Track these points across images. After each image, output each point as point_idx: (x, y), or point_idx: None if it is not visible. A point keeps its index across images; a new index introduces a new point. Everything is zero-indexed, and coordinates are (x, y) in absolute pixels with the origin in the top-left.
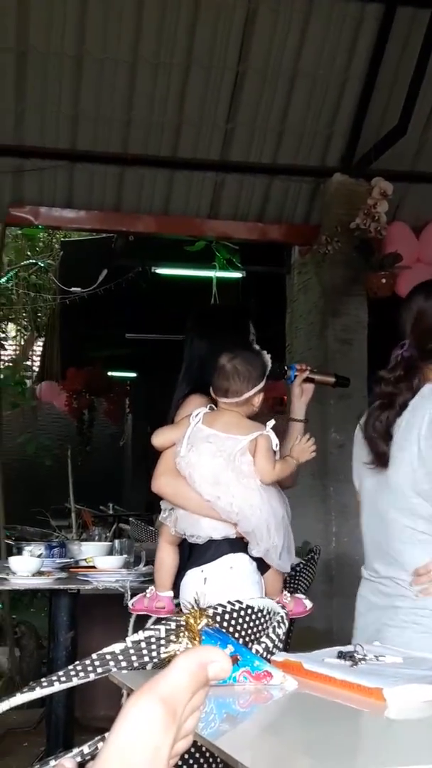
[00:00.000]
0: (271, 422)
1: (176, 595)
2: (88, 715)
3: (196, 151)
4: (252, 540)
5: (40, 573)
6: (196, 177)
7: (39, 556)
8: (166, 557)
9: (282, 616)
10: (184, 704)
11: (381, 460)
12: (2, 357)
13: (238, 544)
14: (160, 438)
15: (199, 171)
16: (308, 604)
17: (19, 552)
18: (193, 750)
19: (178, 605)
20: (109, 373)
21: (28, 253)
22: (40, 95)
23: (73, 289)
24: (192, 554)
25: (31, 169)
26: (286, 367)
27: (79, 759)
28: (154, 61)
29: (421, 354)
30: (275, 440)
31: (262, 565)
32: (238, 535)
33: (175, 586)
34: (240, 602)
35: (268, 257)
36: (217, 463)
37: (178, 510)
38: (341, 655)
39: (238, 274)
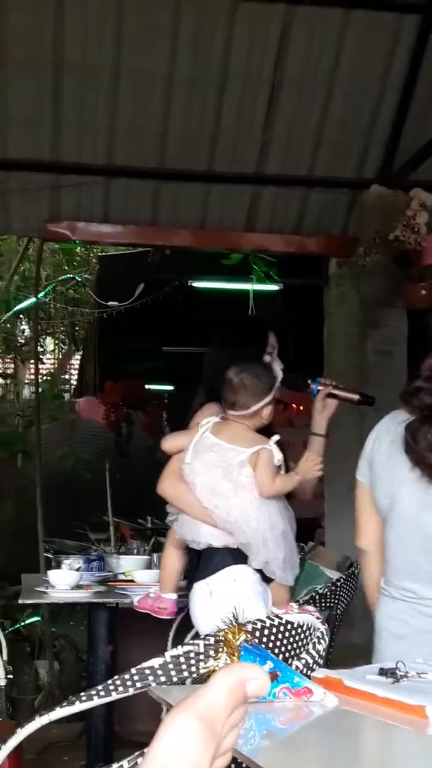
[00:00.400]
0: (276, 437)
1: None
2: (128, 729)
3: (233, 164)
4: (248, 551)
5: (78, 587)
6: (233, 190)
7: (78, 569)
8: (172, 560)
9: (322, 632)
10: (223, 721)
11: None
12: (41, 371)
13: (241, 555)
14: (169, 443)
15: (236, 184)
16: (318, 617)
17: (58, 565)
18: (232, 766)
19: (181, 610)
20: (147, 386)
21: (66, 267)
22: (76, 111)
23: (110, 303)
24: (200, 563)
25: (68, 184)
26: (309, 381)
27: None
28: (190, 74)
29: None
30: (278, 455)
31: (267, 576)
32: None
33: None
34: (279, 617)
35: (305, 269)
36: (216, 473)
37: (182, 515)
38: (383, 672)
39: (275, 287)
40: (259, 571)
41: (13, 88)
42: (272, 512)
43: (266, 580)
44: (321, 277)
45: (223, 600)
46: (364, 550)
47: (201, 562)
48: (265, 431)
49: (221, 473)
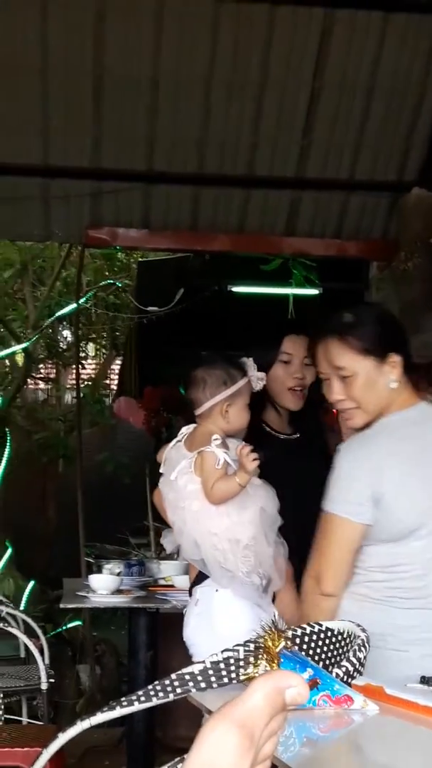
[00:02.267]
0: (215, 436)
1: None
2: (169, 734)
3: (272, 168)
4: (206, 571)
5: (119, 591)
6: (272, 194)
7: (118, 574)
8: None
9: (363, 639)
10: (261, 729)
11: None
12: (82, 376)
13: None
14: (160, 456)
15: (275, 188)
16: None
17: (99, 570)
18: None
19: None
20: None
21: (107, 273)
22: (116, 118)
23: (150, 308)
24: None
25: (108, 191)
26: None
27: None
28: (229, 79)
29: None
30: (221, 456)
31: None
32: None
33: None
34: (320, 624)
35: (345, 273)
36: (178, 486)
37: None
38: (424, 680)
39: (315, 291)
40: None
41: (53, 97)
42: (231, 521)
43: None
44: (361, 282)
45: (205, 609)
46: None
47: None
48: (254, 439)
49: (182, 485)
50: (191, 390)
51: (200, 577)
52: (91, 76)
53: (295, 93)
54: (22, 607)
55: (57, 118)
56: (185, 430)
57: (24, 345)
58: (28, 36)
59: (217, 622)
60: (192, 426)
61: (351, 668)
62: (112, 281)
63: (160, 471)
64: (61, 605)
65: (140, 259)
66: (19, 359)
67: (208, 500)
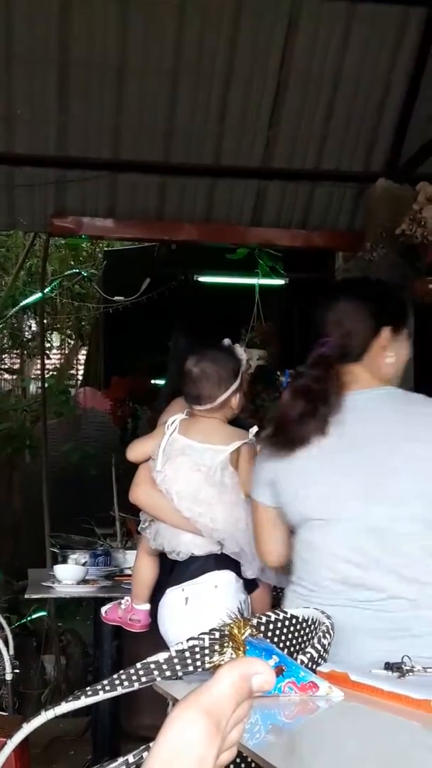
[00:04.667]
0: (254, 428)
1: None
2: (133, 723)
3: (238, 158)
4: (243, 560)
5: (85, 581)
6: (238, 184)
7: (84, 564)
8: (145, 569)
9: (327, 626)
10: (228, 716)
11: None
12: (47, 366)
13: (224, 560)
14: (133, 452)
15: (241, 178)
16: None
17: (64, 560)
18: (238, 760)
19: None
20: (153, 382)
21: (72, 262)
22: (82, 106)
23: (116, 298)
24: (174, 569)
25: (73, 179)
26: (278, 374)
27: None
28: (195, 69)
29: (342, 354)
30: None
31: (249, 583)
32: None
33: (154, 602)
34: (285, 612)
35: (311, 264)
36: (196, 478)
37: (158, 523)
38: (388, 667)
39: (281, 282)
40: (243, 578)
41: (18, 85)
42: None
43: (247, 588)
44: (327, 272)
45: (199, 608)
46: None
47: (176, 568)
48: (235, 423)
49: (201, 477)
50: (203, 385)
51: (178, 578)
52: (56, 65)
53: (262, 83)
54: None
55: (21, 107)
56: (172, 421)
57: None
58: None
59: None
60: (179, 416)
61: (315, 655)
62: (77, 270)
63: (157, 468)
64: (26, 596)
65: (106, 249)
66: None
67: (247, 491)
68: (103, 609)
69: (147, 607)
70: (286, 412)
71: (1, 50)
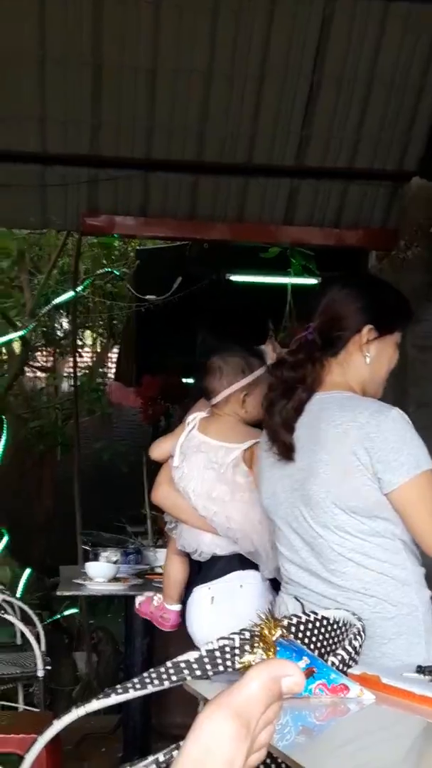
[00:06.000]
0: None
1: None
2: (164, 722)
3: (271, 157)
4: (258, 560)
5: (116, 579)
6: (271, 183)
7: (115, 562)
8: (174, 569)
9: (359, 628)
10: (258, 717)
11: (287, 451)
12: (79, 365)
13: (249, 560)
14: (156, 450)
15: (274, 177)
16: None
17: (96, 558)
18: (268, 761)
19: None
20: (184, 380)
21: (104, 261)
22: (115, 106)
23: (147, 297)
24: (201, 569)
25: (106, 178)
26: None
27: (154, 767)
28: (228, 70)
29: (323, 342)
30: None
31: (278, 583)
32: None
33: (183, 601)
34: (315, 613)
35: (344, 263)
36: (209, 476)
37: (181, 524)
38: (420, 670)
39: (314, 281)
40: (273, 579)
41: (51, 85)
42: None
43: (277, 588)
44: (361, 271)
45: (225, 607)
46: None
47: (203, 566)
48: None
49: (214, 475)
50: (208, 378)
51: (204, 576)
52: (90, 66)
53: (295, 82)
54: (18, 595)
55: (54, 107)
56: (192, 418)
57: (21, 333)
58: (25, 25)
59: (245, 617)
60: (200, 414)
61: (346, 657)
62: (109, 269)
63: (175, 465)
64: (58, 593)
65: (138, 248)
66: (17, 347)
67: None
68: (138, 600)
69: (178, 607)
70: (269, 413)
71: (35, 51)
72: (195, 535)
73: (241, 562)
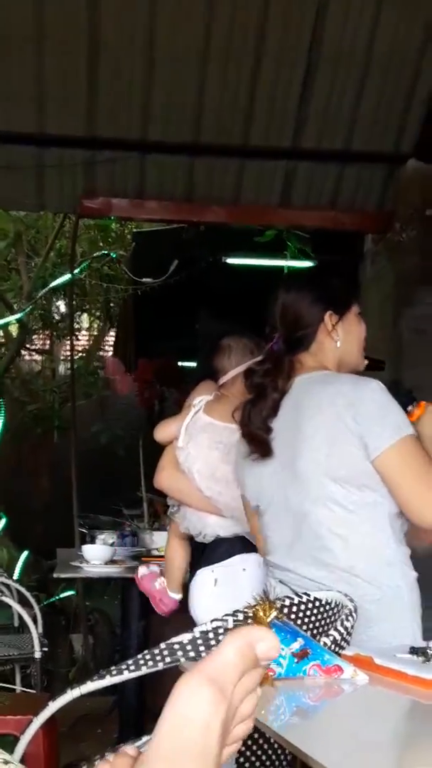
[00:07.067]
0: None
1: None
2: (158, 702)
3: (268, 139)
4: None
5: (112, 561)
6: (268, 165)
7: (111, 544)
8: (177, 554)
9: (350, 609)
10: (233, 682)
11: (266, 450)
12: (76, 348)
13: (252, 543)
14: (160, 432)
15: (271, 159)
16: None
17: (92, 540)
18: (261, 742)
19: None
20: (180, 364)
21: (101, 244)
22: (111, 86)
23: (144, 279)
24: (204, 551)
25: (102, 160)
26: None
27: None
28: (225, 50)
29: (288, 346)
30: None
31: None
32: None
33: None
34: (307, 594)
35: (340, 246)
36: (213, 456)
37: (184, 507)
38: (413, 651)
39: (309, 264)
40: None
41: (48, 65)
42: None
43: None
44: (356, 254)
45: (227, 590)
46: None
47: (207, 549)
48: None
49: (219, 455)
50: (216, 358)
51: (208, 559)
52: (86, 47)
53: (292, 63)
54: (16, 577)
55: (51, 87)
56: (199, 401)
57: (18, 315)
58: (21, 6)
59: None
60: (206, 397)
61: (339, 637)
62: (106, 252)
63: (179, 445)
64: (55, 575)
65: (135, 230)
66: (14, 330)
67: None
68: (141, 571)
69: (178, 597)
70: (247, 418)
71: (32, 31)
72: (199, 517)
73: (243, 545)
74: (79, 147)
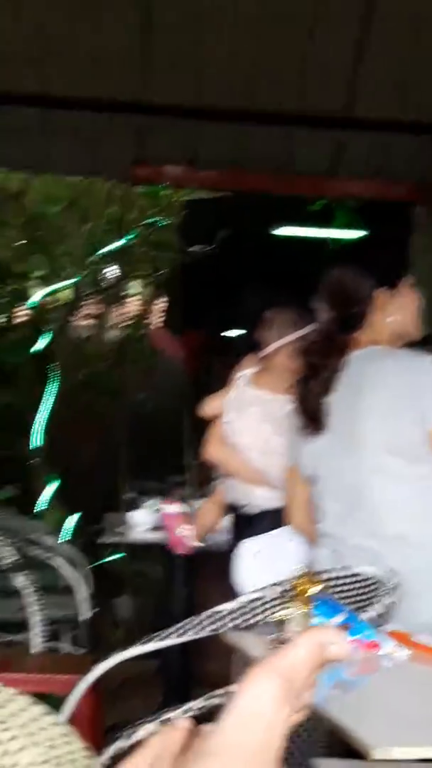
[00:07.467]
0: None
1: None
2: (202, 669)
3: (319, 106)
4: None
5: (158, 528)
6: (318, 134)
7: (157, 511)
8: (208, 513)
9: (393, 584)
10: (302, 682)
11: (320, 426)
12: (126, 314)
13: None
14: (206, 407)
15: (322, 127)
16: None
17: (138, 506)
18: None
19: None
20: (225, 334)
21: (150, 211)
22: (166, 51)
23: (192, 248)
24: (250, 523)
25: (154, 127)
26: None
27: (190, 714)
28: (278, 15)
29: (341, 324)
30: None
31: None
32: None
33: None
34: (349, 568)
35: (391, 217)
36: (264, 429)
37: (231, 479)
38: None
39: (360, 233)
40: None
41: (104, 28)
42: None
43: None
44: (407, 224)
45: (273, 560)
46: None
47: (254, 521)
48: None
49: (270, 428)
50: (259, 330)
51: (254, 530)
52: (138, 8)
53: (345, 28)
54: (67, 538)
55: (104, 51)
56: (242, 375)
57: (73, 281)
58: None
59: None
60: (249, 370)
61: (380, 613)
62: (156, 219)
63: (227, 420)
64: (99, 541)
65: (184, 198)
66: (66, 296)
67: None
68: (169, 508)
69: (197, 545)
70: (302, 395)
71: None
72: (246, 489)
73: None
74: (131, 112)
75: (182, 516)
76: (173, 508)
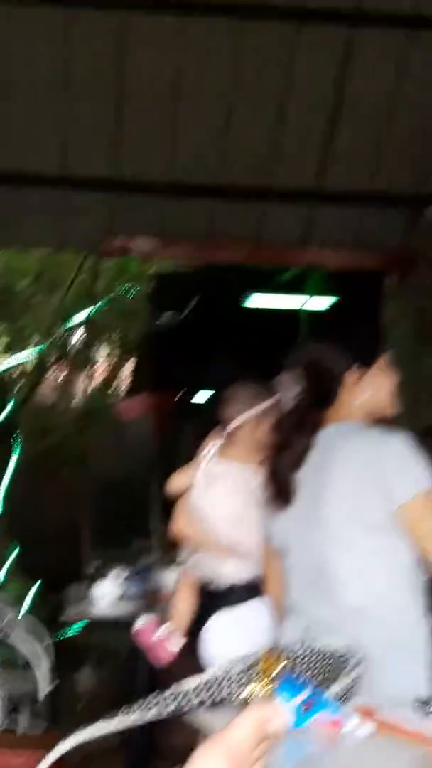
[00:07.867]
0: None
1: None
2: (165, 742)
3: (290, 180)
4: None
5: (122, 598)
6: (289, 206)
7: (122, 581)
8: (183, 602)
9: (359, 659)
10: (248, 755)
11: (290, 497)
12: (93, 380)
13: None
14: (173, 484)
15: (293, 200)
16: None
17: (103, 576)
18: None
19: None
20: (193, 402)
21: (120, 281)
22: (137, 130)
23: (162, 317)
24: (217, 596)
25: (124, 201)
26: None
27: None
28: (249, 94)
29: (314, 401)
30: None
31: None
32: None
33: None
34: (315, 645)
35: (363, 285)
36: (235, 500)
37: (199, 554)
38: (420, 703)
39: (330, 301)
40: None
41: (76, 109)
42: None
43: None
44: (378, 292)
45: (238, 636)
46: None
47: (222, 595)
48: None
49: (240, 499)
50: (221, 407)
51: (222, 604)
52: (112, 93)
53: (316, 108)
54: (26, 609)
55: (76, 129)
56: (209, 448)
57: (37, 348)
58: (50, 57)
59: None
60: (216, 442)
61: (346, 688)
62: (125, 289)
63: (196, 495)
64: (63, 618)
65: (154, 270)
66: (30, 366)
67: None
68: (140, 623)
69: (177, 648)
70: (273, 469)
71: (60, 76)
72: (215, 563)
73: (258, 589)
74: (101, 188)
75: (155, 622)
76: (142, 620)
